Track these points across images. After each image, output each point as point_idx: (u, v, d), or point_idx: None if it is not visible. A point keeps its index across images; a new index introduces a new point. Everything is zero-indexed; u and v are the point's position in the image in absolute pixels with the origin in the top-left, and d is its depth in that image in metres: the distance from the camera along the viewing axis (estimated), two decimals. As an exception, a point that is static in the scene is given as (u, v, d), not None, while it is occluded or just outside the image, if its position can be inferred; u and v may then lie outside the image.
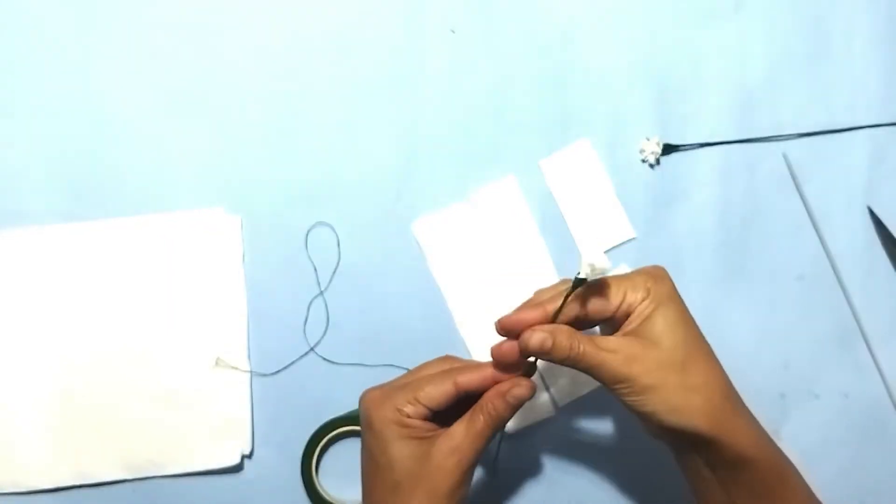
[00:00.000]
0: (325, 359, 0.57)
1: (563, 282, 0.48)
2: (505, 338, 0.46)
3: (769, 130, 0.60)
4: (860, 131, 0.60)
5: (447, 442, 0.45)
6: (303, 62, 0.58)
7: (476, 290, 0.58)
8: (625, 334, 0.45)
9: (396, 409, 0.45)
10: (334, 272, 0.57)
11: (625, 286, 0.45)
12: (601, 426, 0.57)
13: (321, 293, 0.57)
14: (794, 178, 0.60)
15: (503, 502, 0.57)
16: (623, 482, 0.57)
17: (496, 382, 0.46)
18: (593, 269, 0.42)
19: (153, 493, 0.55)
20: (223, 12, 0.58)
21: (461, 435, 0.45)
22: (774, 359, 0.59)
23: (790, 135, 0.60)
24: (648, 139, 0.59)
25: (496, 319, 0.46)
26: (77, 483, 0.54)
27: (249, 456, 0.56)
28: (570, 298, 0.44)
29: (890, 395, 0.58)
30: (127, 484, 0.55)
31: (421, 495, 0.44)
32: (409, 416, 0.45)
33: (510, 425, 0.56)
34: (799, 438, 0.58)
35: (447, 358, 0.50)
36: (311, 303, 0.57)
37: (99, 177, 0.57)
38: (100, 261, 0.56)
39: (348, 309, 0.57)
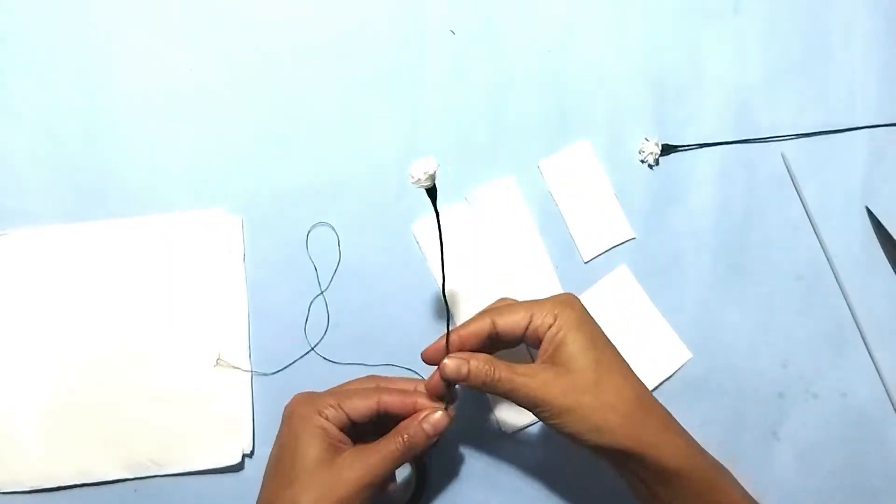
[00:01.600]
0: (325, 358, 0.57)
1: (482, 313, 0.50)
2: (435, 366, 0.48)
3: (768, 131, 0.60)
4: (858, 132, 0.60)
5: (355, 455, 0.46)
6: (303, 63, 0.59)
7: (476, 289, 0.58)
8: (542, 362, 0.47)
9: (317, 410, 0.47)
10: (335, 272, 0.57)
11: (532, 309, 0.47)
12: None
13: (322, 293, 0.57)
14: (792, 178, 0.60)
15: (503, 500, 0.57)
16: (623, 480, 0.57)
17: (418, 409, 0.48)
18: (424, 173, 0.44)
19: (154, 492, 0.55)
20: (223, 14, 0.58)
21: (370, 452, 0.46)
22: (773, 358, 0.59)
23: (789, 135, 0.60)
24: (647, 139, 0.59)
25: (421, 352, 0.49)
26: (79, 482, 0.55)
27: (250, 455, 0.56)
28: (478, 319, 0.48)
29: (888, 395, 0.58)
30: (128, 483, 0.55)
31: (312, 494, 0.45)
32: (327, 419, 0.47)
33: (509, 425, 0.57)
34: (797, 438, 0.58)
35: (373, 377, 0.52)
36: (311, 302, 0.57)
37: (100, 177, 0.57)
38: (101, 261, 0.56)
39: (349, 308, 0.57)
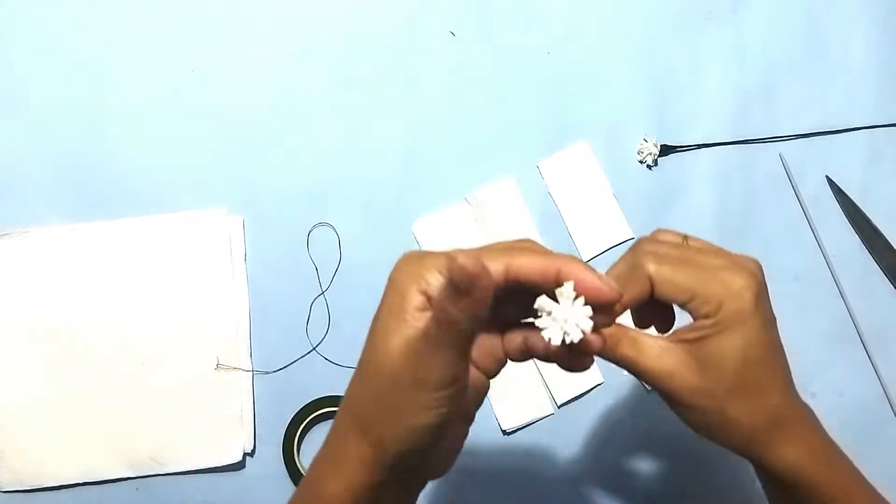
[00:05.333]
0: (326, 358, 0.57)
1: (634, 259, 0.41)
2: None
3: (766, 131, 0.60)
4: (856, 132, 0.61)
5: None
6: (304, 63, 0.59)
7: (476, 289, 0.58)
8: (677, 341, 0.39)
9: (420, 275, 0.36)
10: (335, 272, 0.58)
11: (697, 286, 0.38)
12: (600, 424, 0.58)
13: (322, 293, 0.58)
14: (790, 178, 0.60)
15: (503, 499, 0.57)
16: (623, 479, 0.58)
17: (558, 276, 0.34)
18: None
19: (156, 491, 0.55)
20: (225, 15, 0.59)
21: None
22: (771, 358, 0.59)
23: (787, 136, 0.60)
24: (646, 140, 0.59)
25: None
26: (80, 481, 0.55)
27: (251, 454, 0.56)
28: (636, 278, 0.39)
29: (885, 394, 0.59)
30: (130, 481, 0.55)
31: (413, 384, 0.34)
32: (426, 294, 0.35)
33: (509, 424, 0.57)
34: (795, 436, 0.58)
35: (526, 240, 0.38)
36: (312, 302, 0.57)
37: (102, 178, 0.57)
38: (104, 261, 0.56)
39: (349, 309, 0.57)
